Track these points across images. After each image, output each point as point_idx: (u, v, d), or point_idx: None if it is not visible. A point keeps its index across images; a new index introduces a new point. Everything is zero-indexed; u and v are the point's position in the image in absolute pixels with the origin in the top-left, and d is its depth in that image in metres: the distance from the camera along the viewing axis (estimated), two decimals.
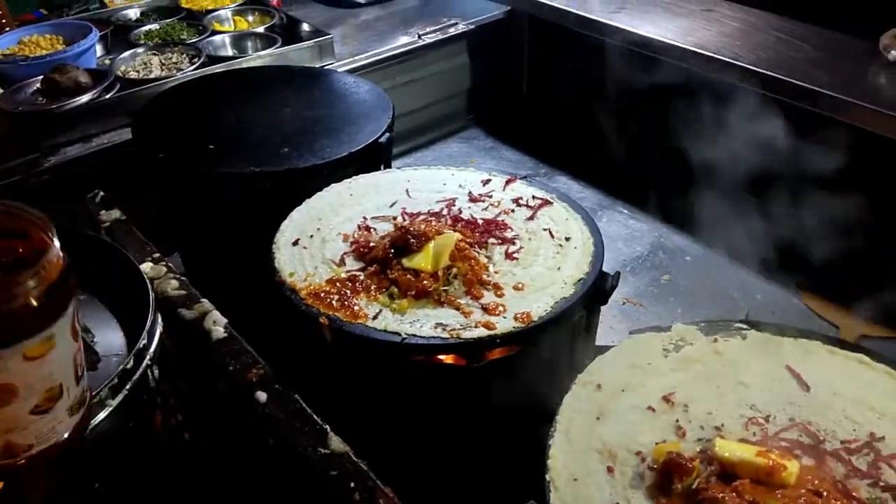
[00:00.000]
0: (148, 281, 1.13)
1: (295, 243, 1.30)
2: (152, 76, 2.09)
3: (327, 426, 1.07)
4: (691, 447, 0.90)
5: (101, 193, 1.57)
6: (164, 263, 1.36)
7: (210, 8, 2.51)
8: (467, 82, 2.68)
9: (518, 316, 1.12)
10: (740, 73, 1.87)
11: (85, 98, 1.90)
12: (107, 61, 2.21)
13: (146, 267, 1.35)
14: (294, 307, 1.15)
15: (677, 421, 0.93)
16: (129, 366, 0.94)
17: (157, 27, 2.39)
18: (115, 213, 1.50)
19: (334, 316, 1.11)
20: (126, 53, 2.18)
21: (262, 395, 1.12)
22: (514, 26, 2.70)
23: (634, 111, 2.38)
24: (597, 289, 1.19)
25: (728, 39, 2.00)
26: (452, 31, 2.50)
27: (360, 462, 1.02)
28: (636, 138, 2.38)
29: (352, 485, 0.99)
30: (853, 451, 0.90)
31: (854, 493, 0.84)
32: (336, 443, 1.04)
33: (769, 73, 1.82)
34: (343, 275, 1.20)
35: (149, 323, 1.00)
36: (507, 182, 1.46)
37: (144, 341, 0.98)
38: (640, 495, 0.85)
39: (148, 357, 0.98)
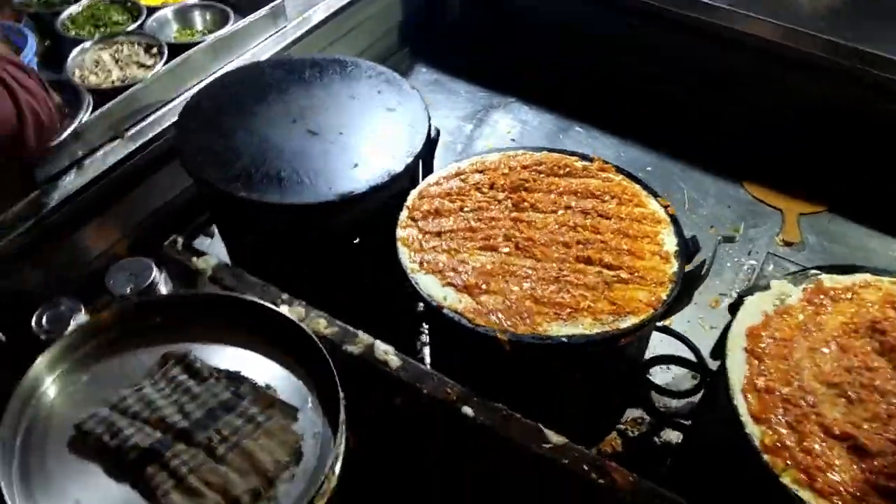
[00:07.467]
0: (310, 331, 1.22)
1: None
2: (114, 78, 1.94)
3: (539, 423, 1.29)
4: None
5: (180, 238, 1.55)
6: (298, 303, 1.44)
7: None
8: (399, 15, 2.69)
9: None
10: None
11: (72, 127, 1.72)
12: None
13: (285, 311, 1.42)
14: (465, 327, 1.31)
15: None
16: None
17: (80, 10, 2.14)
18: (212, 259, 1.51)
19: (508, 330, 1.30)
20: (74, 51, 1.98)
21: (468, 409, 1.31)
22: None
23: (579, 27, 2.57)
24: (688, 254, 1.46)
25: None
26: None
27: (582, 447, 1.27)
28: (584, 58, 2.59)
29: (585, 467, 1.24)
30: None
31: None
32: (554, 436, 1.28)
33: None
34: None
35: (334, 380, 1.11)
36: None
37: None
38: None
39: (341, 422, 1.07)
